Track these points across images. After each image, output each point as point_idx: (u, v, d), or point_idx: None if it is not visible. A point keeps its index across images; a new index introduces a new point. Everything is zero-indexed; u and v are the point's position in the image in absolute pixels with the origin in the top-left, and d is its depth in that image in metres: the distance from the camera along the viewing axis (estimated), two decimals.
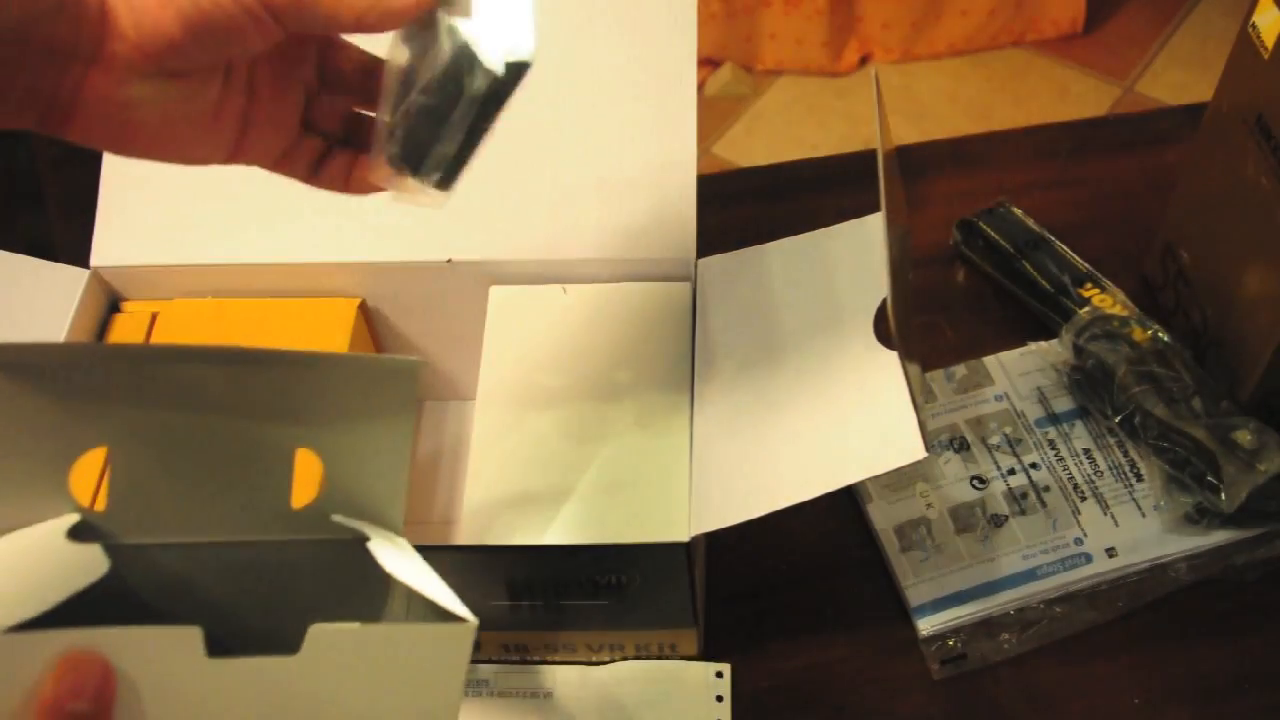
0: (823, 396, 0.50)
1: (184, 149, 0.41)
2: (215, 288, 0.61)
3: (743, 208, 0.77)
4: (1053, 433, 0.64)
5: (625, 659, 0.58)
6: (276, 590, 0.45)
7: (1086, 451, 0.64)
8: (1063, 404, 0.65)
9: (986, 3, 1.82)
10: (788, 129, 1.80)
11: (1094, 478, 0.63)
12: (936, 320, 0.71)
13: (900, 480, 0.63)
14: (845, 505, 0.63)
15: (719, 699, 0.57)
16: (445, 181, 0.43)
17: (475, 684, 0.58)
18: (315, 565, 0.45)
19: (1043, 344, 0.68)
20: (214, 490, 0.43)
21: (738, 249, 0.58)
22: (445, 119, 0.41)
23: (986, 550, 0.61)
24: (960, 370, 0.67)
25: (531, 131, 0.60)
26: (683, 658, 0.58)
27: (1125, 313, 0.66)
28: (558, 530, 0.51)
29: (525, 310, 0.59)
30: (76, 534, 0.42)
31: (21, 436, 0.41)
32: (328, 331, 0.60)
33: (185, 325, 0.60)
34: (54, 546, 0.41)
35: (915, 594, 0.60)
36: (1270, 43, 0.56)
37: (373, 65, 0.44)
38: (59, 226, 0.96)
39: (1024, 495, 0.62)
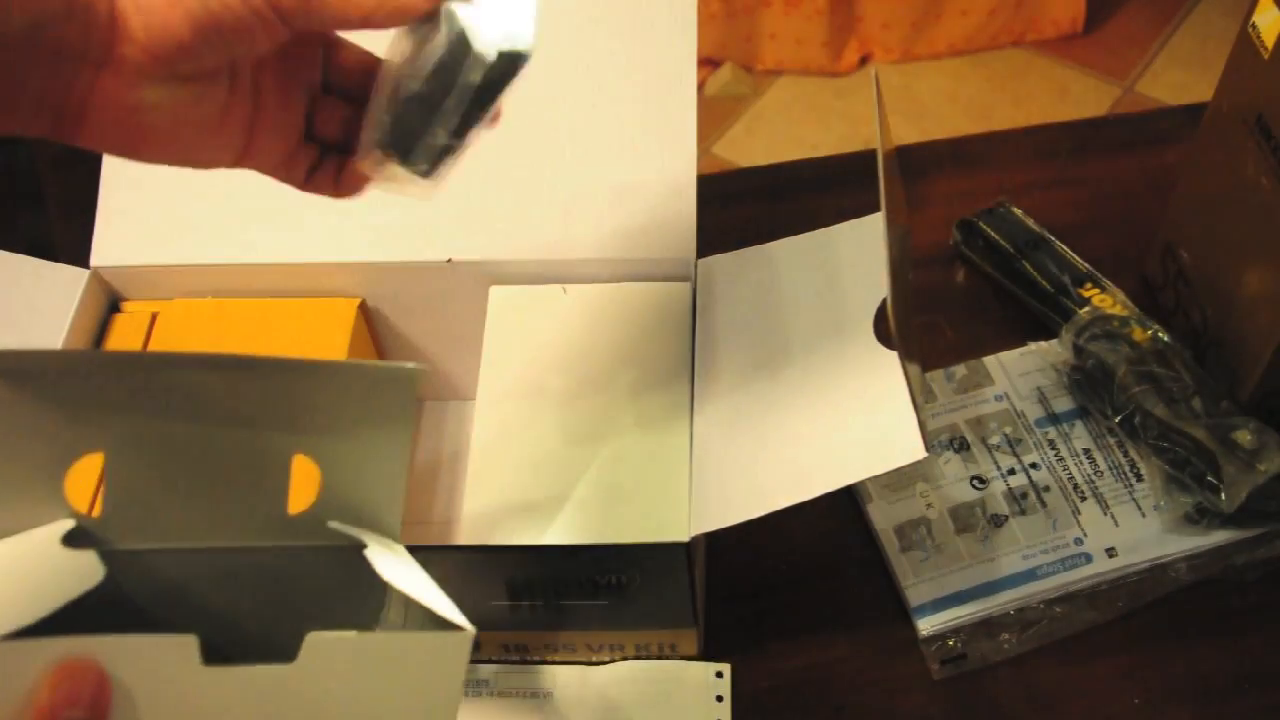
0: (823, 396, 0.50)
1: (192, 153, 0.41)
2: (215, 288, 0.61)
3: (743, 208, 0.77)
4: (1053, 433, 0.64)
5: (625, 659, 0.58)
6: (273, 596, 0.45)
7: (1086, 451, 0.64)
8: (1063, 404, 0.65)
9: (986, 3, 1.82)
10: (788, 129, 1.80)
11: (1094, 478, 0.63)
12: (936, 320, 0.71)
13: (900, 480, 0.63)
14: (845, 505, 0.63)
15: (719, 699, 0.57)
16: (432, 171, 0.42)
17: (475, 684, 0.58)
18: (312, 572, 0.45)
19: (1043, 344, 0.68)
20: (210, 496, 0.43)
21: (738, 249, 0.59)
22: (437, 107, 0.41)
23: (986, 550, 0.61)
24: (960, 370, 0.67)
25: (531, 131, 0.60)
26: (683, 658, 0.58)
27: (1125, 313, 0.66)
28: (558, 530, 0.51)
29: (525, 310, 0.59)
30: (72, 540, 0.41)
31: (17, 442, 0.41)
32: (328, 331, 0.60)
33: (185, 325, 0.60)
34: (49, 552, 0.41)
35: (915, 594, 0.60)
36: (1270, 43, 0.56)
37: (375, 66, 0.44)
38: (59, 226, 0.96)
39: (1024, 495, 0.62)
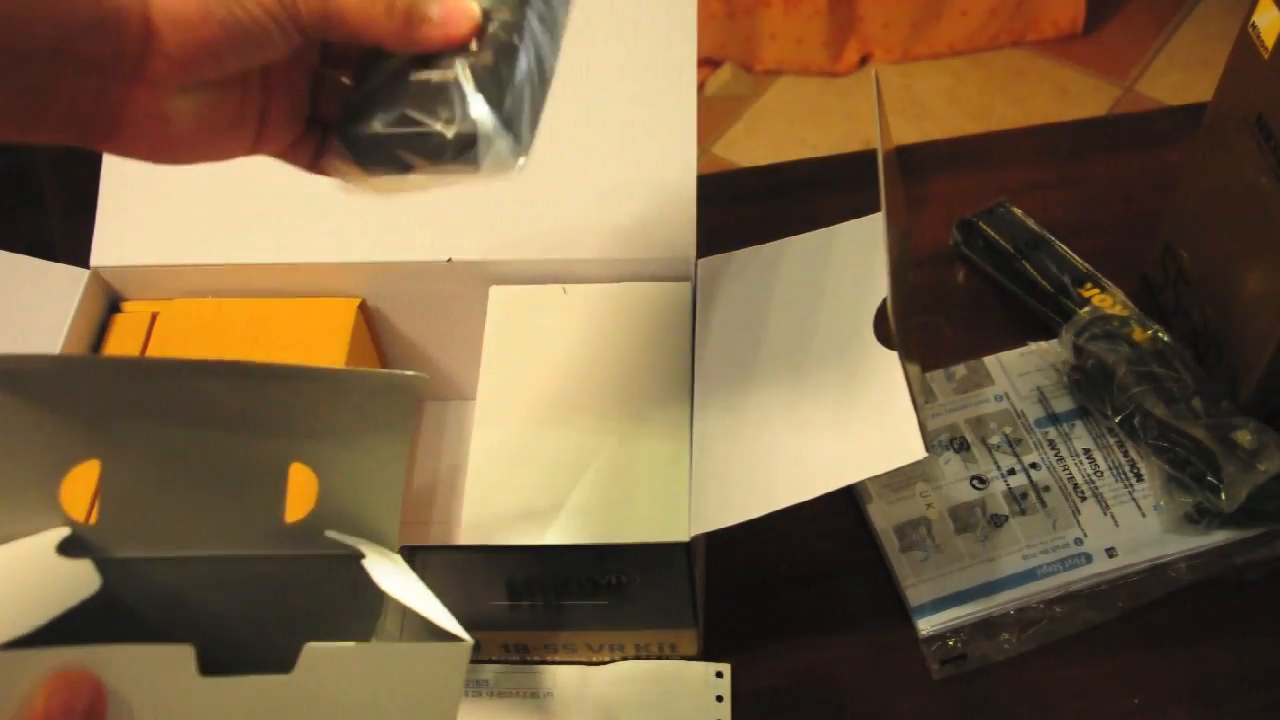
0: (823, 396, 0.50)
1: (213, 151, 0.41)
2: (215, 288, 0.61)
3: (743, 208, 0.77)
4: (1053, 433, 0.64)
5: (625, 659, 0.58)
6: (269, 605, 0.45)
7: (1086, 451, 0.64)
8: (1063, 404, 0.65)
9: (986, 3, 1.82)
10: (788, 129, 1.80)
11: (1094, 478, 0.63)
12: (936, 320, 0.71)
13: (900, 480, 0.63)
14: (845, 505, 0.63)
15: (719, 699, 0.57)
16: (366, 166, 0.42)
17: (475, 684, 0.58)
18: (308, 580, 0.45)
19: (1043, 344, 0.68)
20: (207, 504, 0.43)
21: (738, 249, 0.58)
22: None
23: (986, 550, 0.61)
24: (960, 370, 0.67)
25: None
26: (683, 658, 0.58)
27: (1125, 313, 0.66)
28: (558, 530, 0.51)
29: (525, 310, 0.59)
30: (67, 548, 0.41)
31: (12, 448, 0.40)
32: (328, 331, 0.60)
33: (185, 325, 0.60)
34: (45, 561, 0.40)
35: (915, 594, 0.60)
36: (1270, 43, 0.56)
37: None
38: (59, 226, 0.96)
39: (1024, 495, 0.62)
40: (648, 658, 0.58)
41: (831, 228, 0.56)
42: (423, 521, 0.63)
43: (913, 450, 0.45)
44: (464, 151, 0.39)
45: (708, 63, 1.86)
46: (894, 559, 0.61)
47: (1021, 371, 0.67)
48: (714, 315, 0.57)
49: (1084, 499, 0.62)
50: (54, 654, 0.33)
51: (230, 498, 0.43)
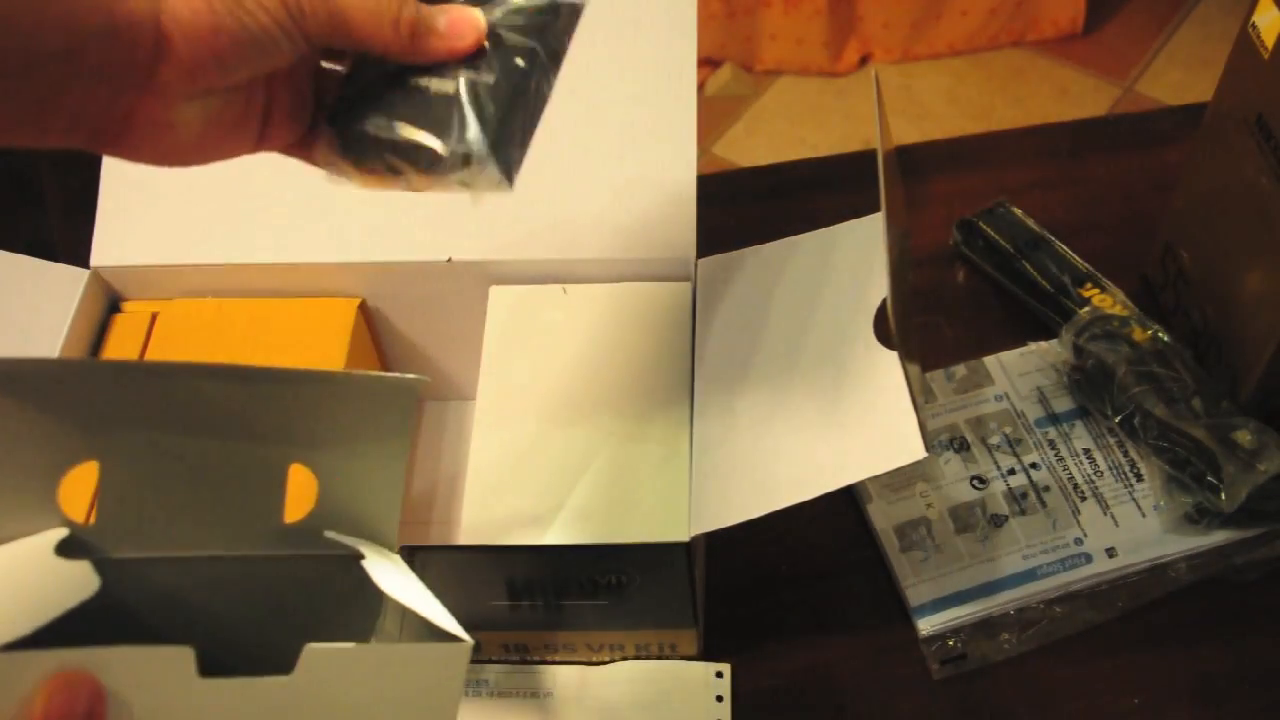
0: (822, 396, 0.50)
1: (218, 153, 0.42)
2: (215, 288, 0.61)
3: (743, 208, 0.77)
4: (1053, 433, 0.64)
5: (625, 659, 0.58)
6: (269, 605, 0.45)
7: (1086, 451, 0.64)
8: (1063, 404, 0.65)
9: (986, 3, 1.82)
10: (788, 129, 1.80)
11: (1094, 478, 0.63)
12: (936, 320, 0.71)
13: (900, 480, 0.63)
14: (845, 505, 0.63)
15: (719, 699, 0.57)
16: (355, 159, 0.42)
17: (475, 684, 0.58)
18: (308, 581, 0.45)
19: (1043, 344, 0.68)
20: (206, 505, 0.43)
21: (738, 249, 0.58)
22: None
23: (986, 550, 0.61)
24: (960, 370, 0.67)
25: None
26: (683, 658, 0.58)
27: (1125, 313, 0.66)
28: (558, 530, 0.51)
29: (525, 310, 0.59)
30: (66, 549, 0.41)
31: (11, 449, 0.40)
32: (328, 331, 0.60)
33: (185, 325, 0.60)
34: (44, 562, 0.40)
35: (915, 594, 0.60)
36: (1270, 43, 0.56)
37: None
38: (59, 226, 0.96)
39: (1024, 495, 0.62)
40: (648, 658, 0.58)
41: (831, 228, 0.56)
42: (423, 522, 0.63)
43: (913, 450, 0.45)
44: (455, 170, 0.40)
45: (708, 63, 1.86)
46: (894, 559, 0.61)
47: (1021, 371, 0.67)
48: (714, 315, 0.57)
49: (1084, 499, 0.62)
50: (53, 655, 0.33)
51: (229, 499, 0.43)
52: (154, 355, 0.59)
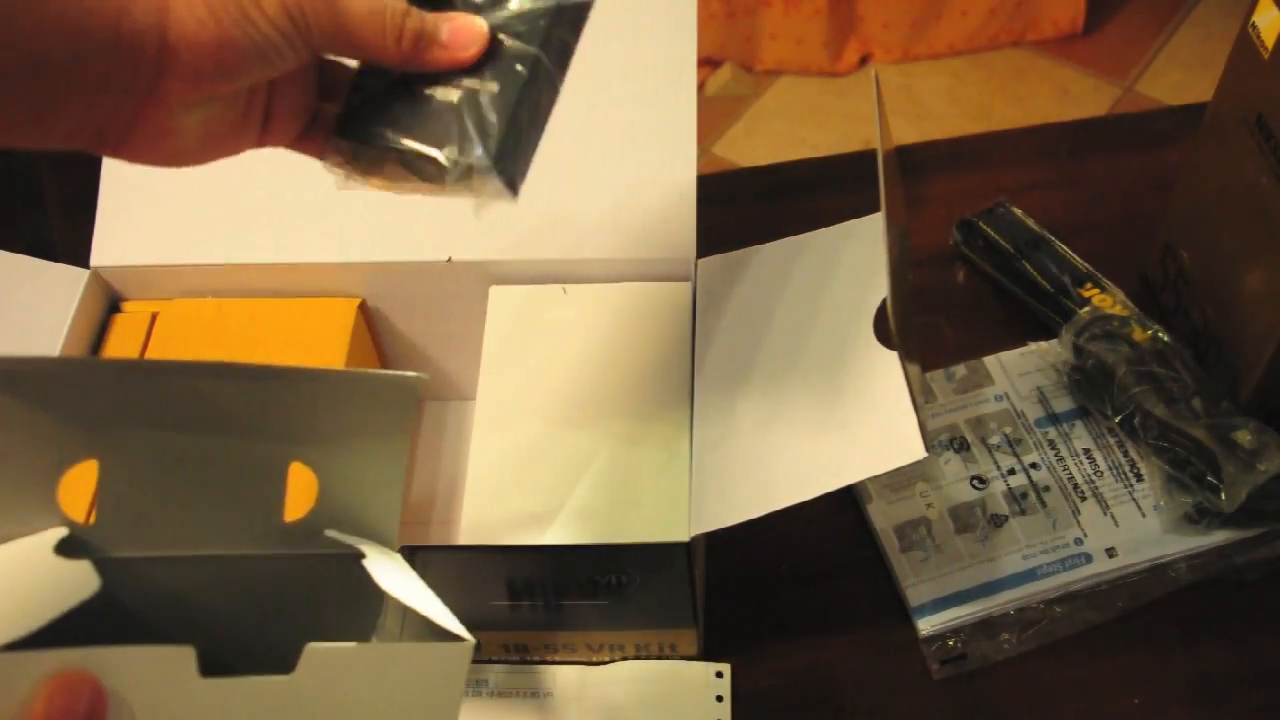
0: (823, 396, 0.50)
1: (220, 153, 0.42)
2: (215, 288, 0.61)
3: (743, 208, 0.77)
4: (1053, 433, 0.64)
5: (625, 659, 0.58)
6: (269, 604, 0.45)
7: (1086, 451, 0.64)
8: (1063, 404, 0.65)
9: (986, 3, 1.82)
10: (788, 129, 1.80)
11: (1094, 478, 0.63)
12: (936, 320, 0.71)
13: (900, 480, 0.63)
14: (845, 505, 0.63)
15: (719, 699, 0.57)
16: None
17: (475, 684, 0.58)
18: (309, 580, 0.45)
19: (1043, 344, 0.68)
20: (206, 503, 0.43)
21: (738, 249, 0.58)
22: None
23: (986, 550, 0.61)
24: (960, 370, 0.67)
25: None
26: (683, 658, 0.58)
27: (1125, 313, 0.66)
28: (558, 530, 0.51)
29: (525, 310, 0.59)
30: (66, 548, 0.41)
31: (10, 448, 0.40)
32: (328, 331, 0.60)
33: (185, 325, 0.60)
34: (43, 562, 0.40)
35: (915, 594, 0.60)
36: (1270, 43, 0.56)
37: None
38: (59, 226, 0.96)
39: (1024, 495, 0.62)
40: (648, 658, 0.58)
41: (831, 228, 0.56)
42: (423, 521, 0.63)
43: (913, 450, 0.45)
44: (458, 181, 0.40)
45: (708, 63, 1.86)
46: (894, 559, 0.61)
47: (1021, 371, 0.67)
48: (714, 315, 0.57)
49: (1084, 499, 0.62)
50: (54, 656, 0.33)
51: (230, 498, 0.43)
52: (154, 355, 0.59)
